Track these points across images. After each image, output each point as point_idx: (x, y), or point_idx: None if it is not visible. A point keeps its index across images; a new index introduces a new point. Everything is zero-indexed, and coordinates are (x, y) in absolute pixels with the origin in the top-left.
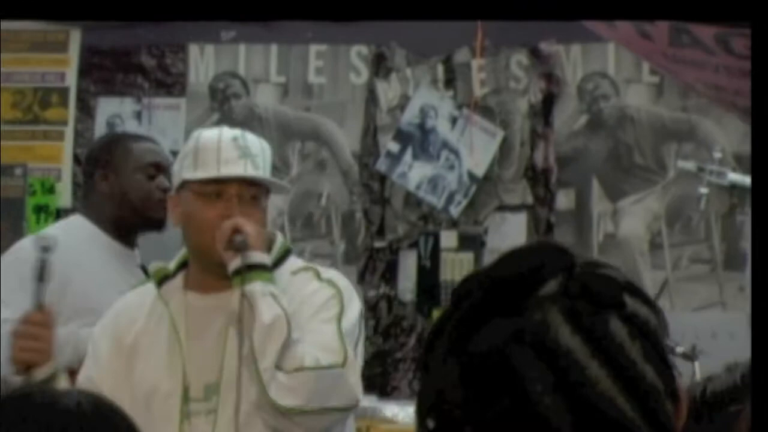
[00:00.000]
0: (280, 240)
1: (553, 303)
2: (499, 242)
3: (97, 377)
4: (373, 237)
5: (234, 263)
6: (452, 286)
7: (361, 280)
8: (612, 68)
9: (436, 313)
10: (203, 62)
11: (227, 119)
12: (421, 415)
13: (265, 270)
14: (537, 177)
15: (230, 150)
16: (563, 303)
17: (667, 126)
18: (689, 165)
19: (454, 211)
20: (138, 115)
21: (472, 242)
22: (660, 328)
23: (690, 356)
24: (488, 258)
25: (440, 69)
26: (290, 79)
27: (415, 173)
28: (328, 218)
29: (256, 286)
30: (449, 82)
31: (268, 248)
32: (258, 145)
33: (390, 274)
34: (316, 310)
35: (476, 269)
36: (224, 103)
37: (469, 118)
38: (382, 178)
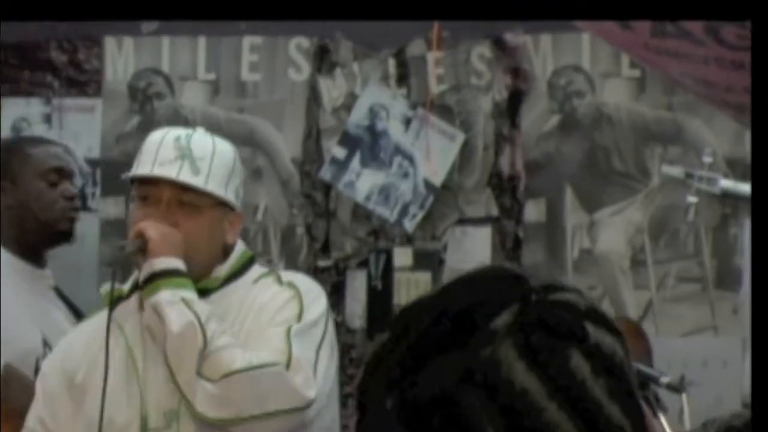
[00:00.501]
0: (239, 248)
1: (505, 336)
2: (460, 260)
3: (49, 419)
4: (317, 255)
5: (141, 275)
6: None
7: None
8: (587, 61)
9: None
10: (121, 57)
11: (149, 122)
12: None
13: (174, 275)
14: (503, 185)
15: (168, 149)
16: (517, 336)
17: (650, 126)
18: (675, 171)
19: (409, 224)
20: (47, 118)
21: (429, 260)
22: (626, 359)
23: (677, 388)
24: (448, 278)
25: (391, 63)
26: (221, 77)
27: (364, 182)
28: (266, 234)
29: (162, 295)
30: (402, 79)
31: (222, 256)
32: (207, 147)
33: (336, 298)
34: (272, 315)
35: (419, 297)
36: (146, 104)
37: (425, 119)
38: (327, 188)
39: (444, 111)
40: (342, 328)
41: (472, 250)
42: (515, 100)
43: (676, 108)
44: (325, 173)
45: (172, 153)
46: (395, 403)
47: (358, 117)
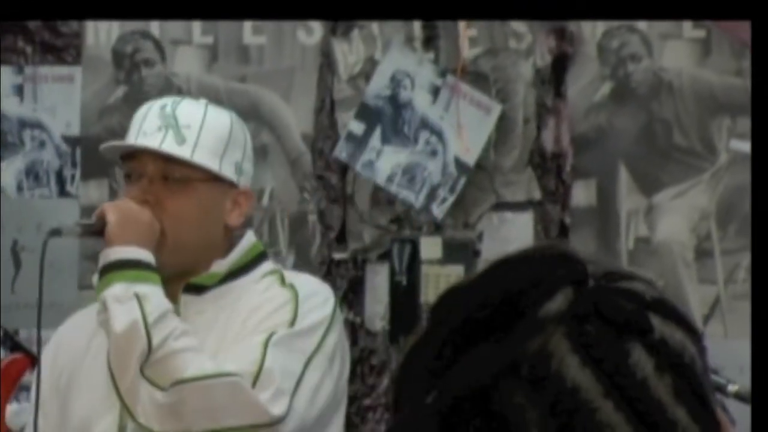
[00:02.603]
0: (247, 240)
1: (557, 325)
2: (497, 251)
3: (41, 418)
4: (332, 246)
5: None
6: None
7: None
8: (637, 20)
9: None
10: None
11: (136, 93)
12: None
13: (130, 267)
14: (546, 165)
15: (153, 119)
16: (570, 326)
17: (717, 95)
18: (747, 146)
19: (438, 210)
20: (19, 90)
21: (461, 252)
22: (700, 359)
23: (746, 398)
24: None
25: (417, 24)
26: (219, 40)
27: (385, 162)
28: (272, 222)
29: (113, 290)
30: (429, 42)
31: (226, 249)
32: (196, 115)
33: (354, 295)
34: (260, 320)
35: (459, 281)
36: (133, 73)
37: (456, 88)
38: (343, 169)
39: (478, 79)
40: (361, 330)
41: (511, 239)
42: (560, 66)
43: (747, 74)
44: (341, 151)
45: (156, 122)
46: (433, 398)
47: (378, 86)
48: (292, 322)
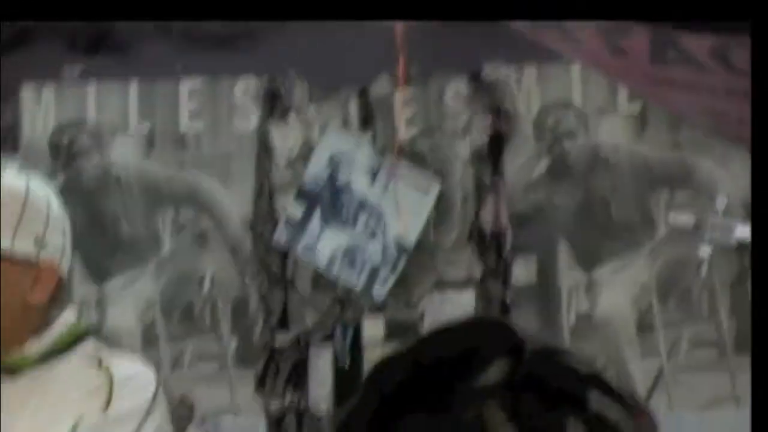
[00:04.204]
0: (67, 319)
1: (492, 396)
2: None
3: None
4: (274, 330)
5: None
6: None
7: (260, 387)
8: (578, 96)
9: None
10: (41, 108)
11: (74, 184)
12: None
13: None
14: (486, 242)
15: None
16: (505, 396)
17: (654, 169)
18: (685, 219)
19: (379, 291)
20: None
21: (404, 332)
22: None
23: None
24: None
25: (353, 105)
26: (157, 127)
27: (325, 245)
28: (214, 308)
29: None
30: (366, 123)
31: (39, 328)
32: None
33: (298, 379)
34: (69, 406)
35: (395, 350)
36: (70, 163)
37: (394, 168)
38: (283, 254)
39: (415, 159)
40: (306, 415)
41: (453, 317)
42: (497, 144)
43: (683, 146)
44: (281, 236)
45: None
46: None
47: (316, 169)
48: (104, 408)
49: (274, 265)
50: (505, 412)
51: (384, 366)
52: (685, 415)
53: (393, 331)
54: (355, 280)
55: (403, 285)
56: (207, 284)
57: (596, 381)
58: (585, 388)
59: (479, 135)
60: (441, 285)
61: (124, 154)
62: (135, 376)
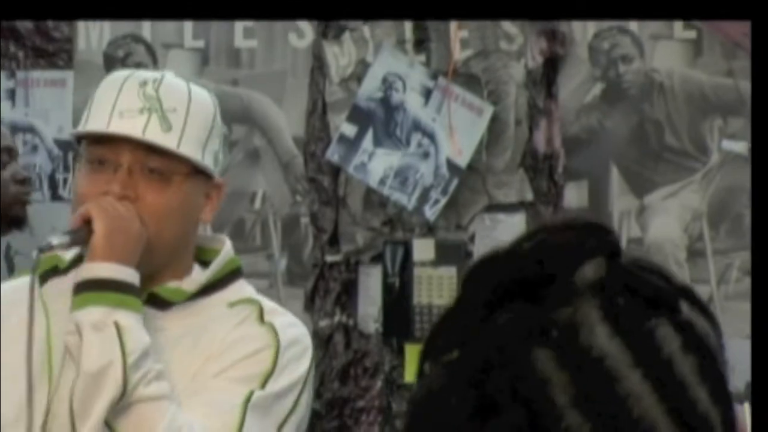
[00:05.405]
0: (226, 253)
1: (589, 295)
2: None
3: None
4: (325, 249)
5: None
6: (429, 311)
7: (310, 305)
8: (634, 21)
9: (408, 349)
10: (96, 23)
11: None
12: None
13: (114, 289)
14: (538, 166)
15: (131, 98)
16: (602, 296)
17: (708, 96)
18: (738, 146)
19: (430, 212)
20: (12, 94)
21: (454, 253)
22: (719, 348)
23: (741, 397)
24: None
25: (408, 27)
26: (211, 44)
27: (377, 164)
28: (265, 225)
29: (90, 314)
30: (420, 44)
31: (204, 257)
32: (182, 96)
33: (347, 298)
34: (232, 363)
35: (497, 248)
36: None
37: (448, 90)
38: (335, 171)
39: (469, 80)
40: (354, 332)
41: (503, 240)
42: (551, 67)
43: (738, 73)
44: (333, 154)
45: (136, 103)
46: (461, 356)
47: (370, 88)
48: (270, 374)
49: (325, 183)
50: (600, 311)
51: (486, 261)
52: (734, 343)
53: (443, 252)
54: (407, 201)
55: (453, 206)
56: (258, 201)
57: (687, 293)
58: (677, 297)
59: (534, 58)
60: (492, 208)
61: (178, 69)
62: (297, 341)
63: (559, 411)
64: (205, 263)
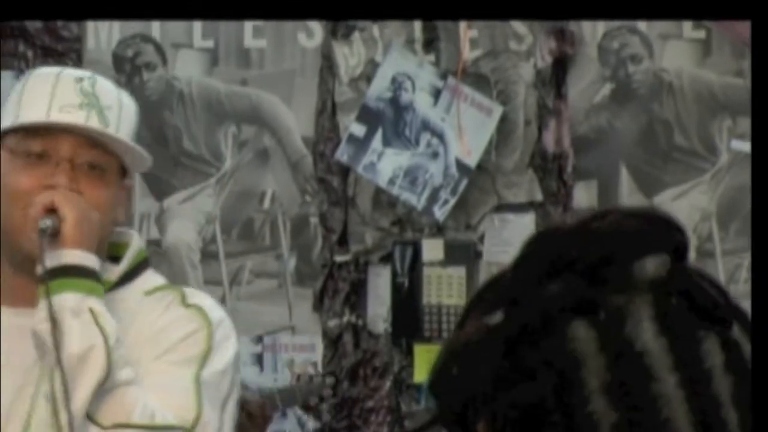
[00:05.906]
0: (136, 243)
1: (645, 288)
2: (498, 252)
3: None
4: (334, 249)
5: (41, 265)
6: (438, 311)
7: (319, 306)
8: (643, 21)
9: (417, 348)
10: (105, 23)
11: (138, 96)
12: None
13: (85, 276)
14: (548, 166)
15: (69, 94)
16: (658, 294)
17: (717, 95)
18: (747, 146)
19: (440, 212)
20: None
21: (463, 253)
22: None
23: None
24: (485, 273)
25: (417, 26)
26: (220, 44)
27: (387, 164)
28: (274, 225)
29: (66, 299)
30: (429, 44)
31: (115, 252)
32: (113, 95)
33: (356, 298)
34: (169, 347)
35: (558, 223)
36: (134, 76)
37: (457, 90)
38: (344, 171)
39: (479, 80)
40: (363, 332)
41: (512, 240)
42: (561, 67)
43: (748, 74)
44: (342, 154)
45: (74, 98)
46: (502, 319)
47: (379, 88)
48: (207, 355)
49: (334, 183)
50: (653, 308)
51: (548, 233)
52: None
53: (452, 252)
54: (416, 201)
55: (463, 207)
56: (267, 201)
57: (742, 316)
58: (731, 316)
59: (543, 57)
60: (501, 208)
61: (187, 68)
62: (223, 319)
63: (588, 393)
64: (114, 258)
